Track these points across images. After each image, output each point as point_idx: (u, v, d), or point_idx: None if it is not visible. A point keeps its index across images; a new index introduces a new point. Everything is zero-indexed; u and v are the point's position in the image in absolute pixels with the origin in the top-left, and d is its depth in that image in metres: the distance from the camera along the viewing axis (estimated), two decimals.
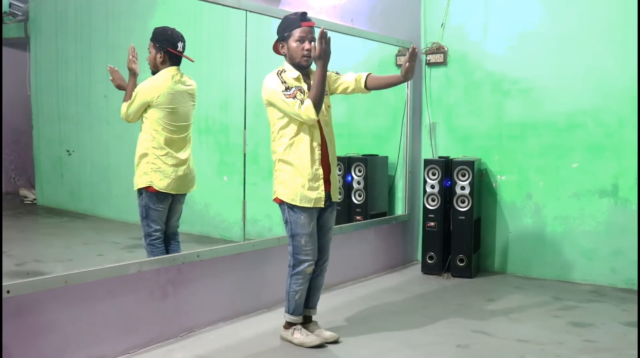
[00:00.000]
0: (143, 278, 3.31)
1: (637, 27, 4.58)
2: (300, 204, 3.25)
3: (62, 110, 5.31)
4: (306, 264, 3.33)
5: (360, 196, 5.26)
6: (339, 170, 5.13)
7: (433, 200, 5.13)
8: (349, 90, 3.44)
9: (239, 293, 3.90)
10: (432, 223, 5.15)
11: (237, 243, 3.94)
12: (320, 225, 3.40)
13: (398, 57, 5.51)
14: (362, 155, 5.37)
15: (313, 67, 3.33)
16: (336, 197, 3.44)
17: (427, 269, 5.20)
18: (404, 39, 5.37)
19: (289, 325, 3.45)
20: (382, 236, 5.29)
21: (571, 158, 4.94)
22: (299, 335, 3.39)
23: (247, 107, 3.95)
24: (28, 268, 3.96)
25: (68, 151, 5.30)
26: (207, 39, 4.88)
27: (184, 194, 3.68)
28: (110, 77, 3.56)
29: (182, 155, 3.55)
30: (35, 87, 5.16)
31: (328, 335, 3.46)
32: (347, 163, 5.26)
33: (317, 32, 3.26)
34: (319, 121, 3.28)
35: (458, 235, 5.05)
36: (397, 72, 5.57)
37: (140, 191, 3.51)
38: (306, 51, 3.22)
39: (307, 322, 3.53)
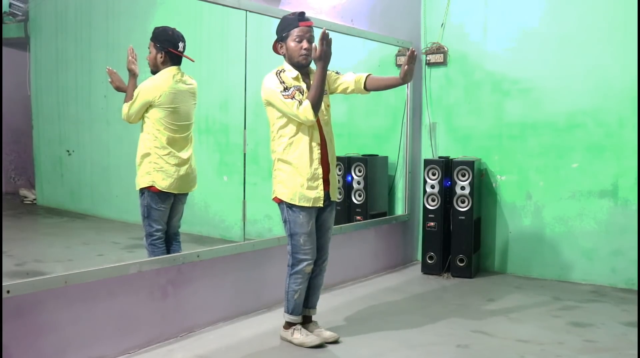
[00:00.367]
0: (143, 278, 3.31)
1: (637, 27, 4.59)
2: (299, 204, 3.26)
3: (62, 110, 5.31)
4: (305, 263, 3.33)
5: (360, 196, 5.26)
6: (339, 170, 5.13)
7: (433, 200, 5.13)
8: (348, 90, 3.45)
9: (239, 293, 3.90)
10: (432, 223, 5.15)
11: (237, 243, 3.94)
12: (319, 224, 3.41)
13: (398, 57, 5.51)
14: (362, 155, 5.37)
15: (313, 66, 3.34)
16: (335, 197, 3.44)
17: (427, 269, 5.20)
18: (404, 39, 5.38)
19: (288, 325, 3.45)
20: (382, 236, 5.29)
21: (571, 158, 4.94)
22: (299, 335, 3.40)
23: (247, 107, 3.95)
24: (28, 268, 3.96)
25: (68, 151, 5.31)
26: (207, 39, 4.88)
27: (186, 194, 3.68)
28: (109, 79, 3.56)
29: (184, 155, 3.56)
30: (35, 87, 5.16)
31: (328, 335, 3.46)
32: (347, 163, 5.26)
33: (316, 32, 3.28)
34: (318, 121, 3.29)
35: (458, 235, 5.05)
36: (397, 72, 5.60)
37: (142, 190, 3.50)
38: (304, 50, 3.22)
39: (306, 321, 3.53)
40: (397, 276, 5.19)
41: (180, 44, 3.50)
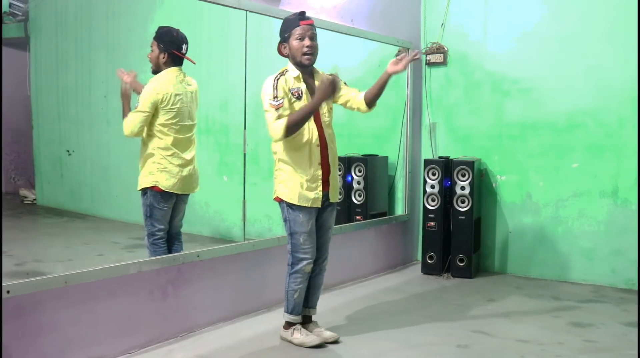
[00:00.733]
0: (143, 278, 3.31)
1: (637, 27, 4.59)
2: (298, 204, 3.28)
3: (62, 110, 5.31)
4: (305, 262, 3.34)
5: (360, 196, 5.26)
6: (339, 170, 5.13)
7: (433, 200, 5.13)
8: (348, 104, 3.50)
9: (239, 293, 3.90)
10: (432, 223, 5.15)
11: (237, 243, 3.94)
12: (319, 224, 3.42)
13: (398, 58, 5.50)
14: (362, 155, 5.37)
15: (316, 66, 3.38)
16: (335, 198, 3.45)
17: (427, 269, 5.20)
18: (404, 39, 5.38)
19: (288, 325, 3.46)
20: (382, 236, 5.29)
21: (571, 158, 4.94)
22: (299, 335, 3.40)
23: (247, 107, 3.95)
24: (28, 268, 3.96)
25: (68, 151, 5.31)
26: (207, 39, 4.88)
27: (188, 194, 3.69)
28: (126, 85, 3.53)
29: (188, 155, 3.57)
30: (35, 87, 5.17)
31: (328, 335, 3.46)
32: (347, 163, 5.26)
33: (317, 31, 3.31)
34: (319, 123, 3.31)
35: (458, 235, 5.05)
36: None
37: (144, 190, 3.50)
38: (306, 47, 3.25)
39: (307, 321, 3.53)
40: (397, 276, 5.19)
41: (184, 46, 3.53)
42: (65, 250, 4.53)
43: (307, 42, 3.25)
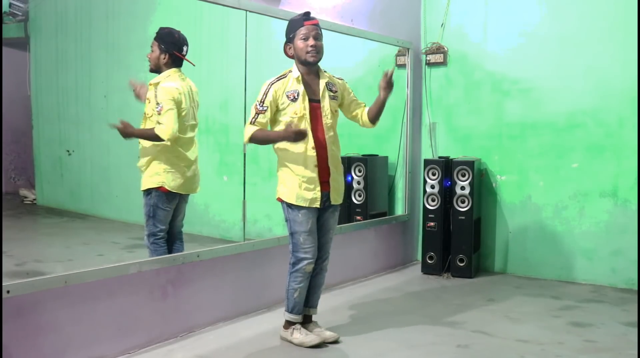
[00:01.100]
0: (143, 278, 3.31)
1: (637, 27, 4.58)
2: (296, 203, 3.30)
3: (62, 110, 5.31)
4: (305, 262, 3.34)
5: (360, 196, 5.26)
6: None
7: (433, 200, 5.13)
8: (355, 118, 3.58)
9: (239, 293, 3.90)
10: (432, 223, 5.15)
11: (237, 243, 3.94)
12: (320, 224, 3.43)
13: (398, 57, 5.51)
14: (362, 155, 5.37)
15: (320, 65, 3.40)
16: (337, 201, 3.44)
17: (427, 269, 5.20)
18: (404, 39, 5.38)
19: (288, 324, 3.46)
20: (382, 236, 5.29)
21: (571, 158, 4.94)
22: (299, 335, 3.40)
23: (247, 107, 3.95)
24: (28, 268, 3.95)
25: (68, 151, 5.31)
26: (207, 39, 4.88)
27: (189, 194, 3.69)
28: (136, 93, 3.57)
29: (192, 156, 3.58)
30: (35, 87, 5.16)
31: (328, 335, 3.46)
32: (347, 163, 5.26)
33: (321, 31, 3.34)
34: (320, 125, 3.33)
35: (458, 235, 5.05)
36: (396, 72, 5.58)
37: (149, 190, 3.49)
38: (311, 47, 3.27)
39: (307, 321, 3.53)
40: (397, 276, 5.19)
41: (184, 48, 3.54)
42: (65, 250, 4.53)
43: (311, 41, 3.27)
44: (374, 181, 5.36)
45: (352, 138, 5.57)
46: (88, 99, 5.15)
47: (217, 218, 4.91)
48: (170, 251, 3.57)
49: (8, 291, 2.66)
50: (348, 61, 5.25)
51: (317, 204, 3.32)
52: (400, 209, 5.59)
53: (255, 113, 3.28)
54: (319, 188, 3.31)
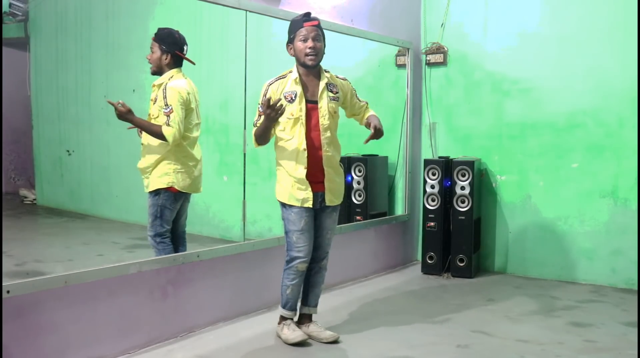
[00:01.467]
0: (143, 278, 3.31)
1: (637, 27, 4.58)
2: (289, 203, 3.33)
3: (62, 110, 5.31)
4: (298, 261, 3.35)
5: (360, 196, 5.26)
6: None
7: (433, 200, 5.13)
8: (350, 116, 3.65)
9: (239, 293, 3.90)
10: (432, 223, 5.15)
11: (237, 243, 3.94)
12: (317, 224, 3.44)
13: (398, 58, 5.51)
14: (362, 155, 5.36)
15: (322, 65, 3.40)
16: (333, 202, 3.43)
17: (427, 269, 5.20)
18: (404, 39, 5.38)
19: (281, 319, 3.49)
20: (382, 236, 5.29)
21: (571, 158, 4.94)
22: (287, 331, 3.43)
23: (247, 107, 3.95)
24: (28, 268, 3.96)
25: (68, 151, 5.30)
26: (207, 39, 4.88)
27: (191, 194, 3.69)
28: (119, 110, 3.29)
29: (198, 154, 3.60)
30: (35, 87, 5.16)
31: (328, 335, 3.46)
32: (347, 163, 5.26)
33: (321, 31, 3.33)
34: (317, 126, 3.33)
35: (458, 235, 5.05)
36: (396, 72, 5.60)
37: (157, 191, 3.47)
38: (309, 49, 3.27)
39: (307, 321, 3.54)
40: (397, 276, 5.19)
41: (185, 47, 3.54)
42: (65, 250, 4.53)
43: (309, 43, 3.27)
44: (374, 181, 5.35)
45: (352, 137, 5.56)
46: (88, 99, 5.14)
47: (217, 218, 4.91)
48: (175, 251, 3.56)
49: (8, 291, 2.66)
50: (348, 61, 5.25)
51: (309, 204, 3.33)
52: (400, 209, 5.59)
53: (258, 115, 3.31)
54: (309, 188, 3.32)
